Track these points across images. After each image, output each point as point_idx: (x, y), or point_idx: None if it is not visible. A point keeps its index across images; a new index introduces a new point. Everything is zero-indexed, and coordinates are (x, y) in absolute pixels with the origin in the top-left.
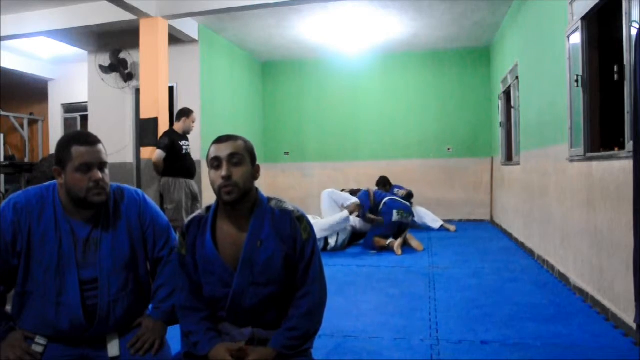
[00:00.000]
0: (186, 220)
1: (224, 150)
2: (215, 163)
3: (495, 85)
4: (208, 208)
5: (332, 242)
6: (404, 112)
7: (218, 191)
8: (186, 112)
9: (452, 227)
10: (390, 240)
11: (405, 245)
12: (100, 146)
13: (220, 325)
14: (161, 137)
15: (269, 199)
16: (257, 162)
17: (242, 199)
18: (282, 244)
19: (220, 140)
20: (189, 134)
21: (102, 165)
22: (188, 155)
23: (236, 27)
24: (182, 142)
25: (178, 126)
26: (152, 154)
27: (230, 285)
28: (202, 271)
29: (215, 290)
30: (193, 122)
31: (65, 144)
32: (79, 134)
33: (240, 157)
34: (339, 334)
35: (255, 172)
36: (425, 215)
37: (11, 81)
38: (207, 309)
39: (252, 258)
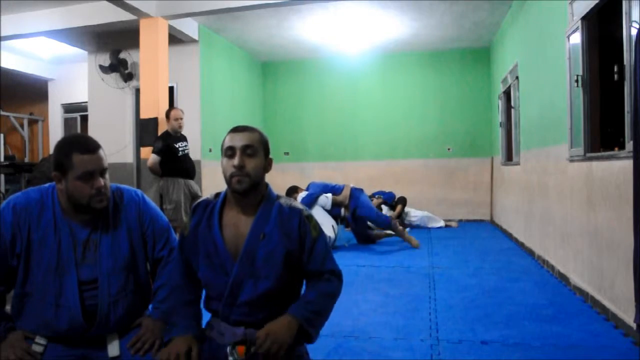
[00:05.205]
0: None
1: (239, 141)
2: (229, 152)
3: (495, 85)
4: (217, 194)
5: (330, 234)
6: (404, 112)
7: (229, 180)
8: (167, 115)
9: (454, 223)
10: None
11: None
12: (101, 152)
13: (214, 322)
14: (155, 140)
15: (278, 196)
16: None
17: (251, 190)
18: (285, 240)
19: (236, 130)
20: (180, 133)
21: (103, 171)
22: (187, 156)
23: (236, 27)
24: (179, 144)
25: (169, 129)
26: (151, 154)
27: (229, 273)
28: (202, 255)
29: (212, 276)
30: (175, 119)
31: (65, 150)
32: (78, 140)
33: (254, 149)
34: (339, 334)
35: (267, 165)
36: (429, 220)
37: (11, 81)
38: (197, 294)
39: (253, 250)
